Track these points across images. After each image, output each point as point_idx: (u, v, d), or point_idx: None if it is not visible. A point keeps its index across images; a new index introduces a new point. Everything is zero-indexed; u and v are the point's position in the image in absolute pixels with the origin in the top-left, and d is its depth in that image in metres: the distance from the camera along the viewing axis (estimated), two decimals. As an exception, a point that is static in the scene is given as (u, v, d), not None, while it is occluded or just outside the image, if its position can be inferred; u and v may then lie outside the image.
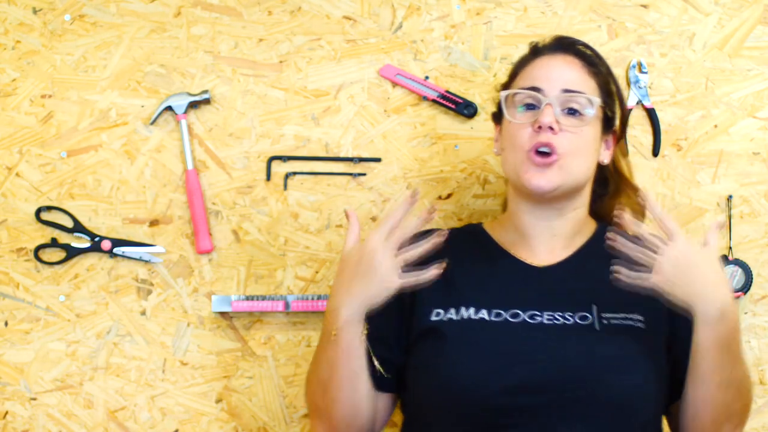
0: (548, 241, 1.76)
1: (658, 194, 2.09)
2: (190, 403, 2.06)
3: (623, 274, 1.56)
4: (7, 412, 2.05)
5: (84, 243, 2.06)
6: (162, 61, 2.10)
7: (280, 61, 2.10)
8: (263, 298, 2.03)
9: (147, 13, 2.10)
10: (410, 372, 1.70)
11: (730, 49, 2.11)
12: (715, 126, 2.10)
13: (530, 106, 1.73)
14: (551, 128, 1.69)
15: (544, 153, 1.70)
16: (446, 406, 1.62)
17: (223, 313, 2.06)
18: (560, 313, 1.66)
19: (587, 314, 1.66)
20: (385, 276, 1.60)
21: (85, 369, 2.05)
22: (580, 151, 1.72)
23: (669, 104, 2.10)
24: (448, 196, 2.09)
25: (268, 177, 2.08)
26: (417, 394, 1.69)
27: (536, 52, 1.80)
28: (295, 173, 2.08)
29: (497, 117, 1.82)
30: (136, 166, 2.09)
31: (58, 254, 2.07)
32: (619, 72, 2.06)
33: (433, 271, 1.60)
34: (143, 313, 2.07)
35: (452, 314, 1.67)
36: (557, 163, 1.70)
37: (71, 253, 2.06)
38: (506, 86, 1.81)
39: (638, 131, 2.10)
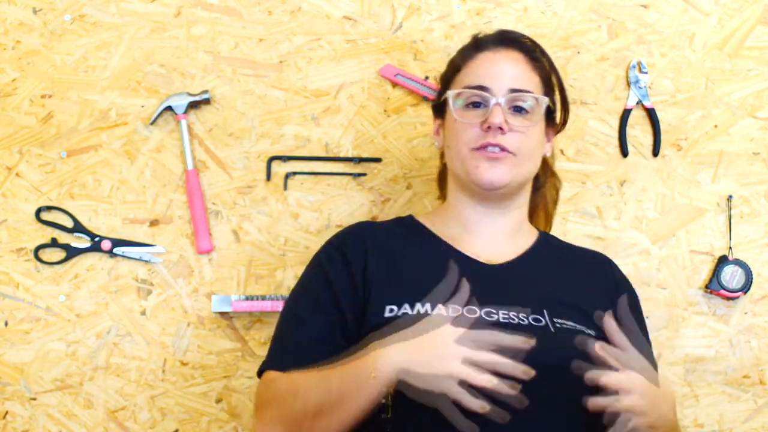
0: (492, 237, 1.76)
1: (658, 194, 2.10)
2: (190, 403, 2.06)
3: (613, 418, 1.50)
4: (7, 412, 2.05)
5: (84, 243, 2.06)
6: (162, 61, 2.10)
7: (280, 61, 2.10)
8: (263, 298, 2.03)
9: (147, 13, 2.10)
10: None
11: (730, 49, 2.12)
12: (715, 126, 2.11)
13: (477, 104, 1.72)
14: (500, 128, 1.69)
15: (494, 150, 1.70)
16: (400, 402, 1.54)
17: (223, 313, 2.06)
18: (514, 313, 1.63)
19: (540, 317, 1.64)
20: (445, 364, 1.45)
21: (85, 369, 2.05)
22: (530, 150, 1.72)
23: (669, 104, 2.11)
24: (449, 196, 2.08)
25: (268, 177, 2.08)
26: None
27: (479, 45, 1.79)
28: (295, 173, 2.08)
29: (438, 110, 1.81)
30: (136, 166, 2.08)
31: (58, 254, 2.06)
32: (619, 72, 2.12)
33: (477, 403, 1.45)
34: (143, 313, 2.06)
35: (407, 309, 1.62)
36: (508, 160, 1.70)
37: (71, 253, 2.06)
38: (448, 78, 1.79)
39: (638, 131, 2.11)
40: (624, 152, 2.10)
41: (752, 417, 2.07)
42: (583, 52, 2.11)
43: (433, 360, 1.46)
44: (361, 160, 2.09)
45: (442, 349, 1.46)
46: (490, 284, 1.68)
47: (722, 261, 2.06)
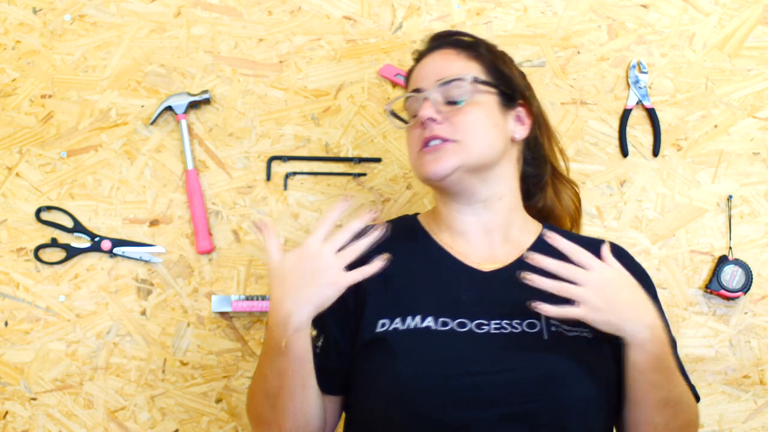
0: (484, 237, 1.73)
1: (658, 194, 2.09)
2: (190, 403, 2.06)
3: (543, 308, 1.51)
4: (7, 412, 2.05)
5: (84, 243, 2.06)
6: (162, 61, 2.10)
7: (280, 61, 2.10)
8: (263, 298, 2.03)
9: (147, 13, 2.10)
10: (356, 378, 1.66)
11: (730, 49, 2.12)
12: (715, 126, 2.11)
13: (414, 107, 1.73)
14: (433, 119, 1.67)
15: (434, 144, 1.69)
16: (391, 417, 1.57)
17: (223, 313, 2.06)
18: (507, 321, 1.61)
19: (535, 321, 1.61)
20: (331, 276, 1.55)
21: (85, 369, 2.05)
22: (473, 130, 1.68)
23: (669, 104, 2.11)
24: (448, 196, 2.08)
25: (268, 177, 2.08)
26: (362, 401, 1.65)
27: (418, 57, 1.79)
28: (295, 173, 2.08)
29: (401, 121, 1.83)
30: (136, 166, 2.08)
31: (58, 254, 2.06)
32: (619, 72, 2.11)
33: (377, 263, 1.57)
34: (143, 313, 2.06)
35: (398, 324, 1.62)
36: (450, 147, 1.67)
37: (71, 253, 2.06)
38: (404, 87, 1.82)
39: (638, 131, 2.10)
40: (624, 152, 2.10)
41: (752, 417, 2.07)
42: (583, 52, 2.11)
43: (322, 290, 1.54)
44: (361, 160, 2.08)
45: (325, 274, 1.54)
46: (484, 292, 1.66)
47: (722, 261, 2.06)
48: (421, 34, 2.09)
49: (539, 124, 1.81)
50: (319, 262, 1.55)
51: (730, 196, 2.09)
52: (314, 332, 1.63)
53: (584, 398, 1.56)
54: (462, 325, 1.61)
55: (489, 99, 1.71)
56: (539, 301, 1.51)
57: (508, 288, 1.65)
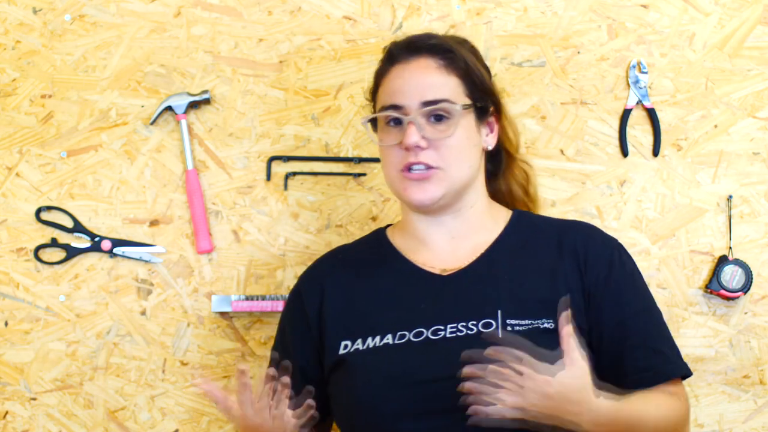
0: (448, 243, 1.73)
1: (658, 194, 2.09)
2: (190, 403, 2.06)
3: (484, 413, 1.44)
4: (7, 412, 2.05)
5: (84, 243, 2.06)
6: (162, 61, 2.09)
7: (280, 61, 2.10)
8: (263, 298, 2.03)
9: (147, 13, 2.09)
10: (331, 402, 1.70)
11: (730, 49, 2.11)
12: (715, 126, 2.10)
13: (396, 121, 1.69)
14: (419, 146, 1.66)
15: (419, 170, 1.67)
16: None
17: (223, 313, 2.06)
18: (463, 323, 1.61)
19: (491, 321, 1.61)
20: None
21: (85, 369, 2.05)
22: (456, 158, 1.68)
23: (669, 104, 2.10)
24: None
25: (268, 177, 2.08)
26: (338, 424, 1.72)
27: (392, 58, 1.75)
28: (295, 173, 2.08)
29: (373, 125, 1.78)
30: (136, 166, 2.08)
31: (58, 254, 2.06)
32: (619, 72, 2.10)
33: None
34: (143, 313, 2.06)
35: (359, 344, 1.65)
36: (434, 175, 1.67)
37: (71, 253, 2.06)
38: (373, 95, 1.77)
39: (638, 131, 2.10)
40: (624, 152, 2.09)
41: (752, 417, 2.06)
42: (583, 52, 2.10)
43: None
44: (361, 160, 2.08)
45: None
46: (442, 296, 1.66)
47: (722, 261, 2.05)
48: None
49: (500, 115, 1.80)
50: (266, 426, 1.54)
51: (730, 196, 2.08)
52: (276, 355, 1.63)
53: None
54: (419, 334, 1.62)
55: (468, 118, 1.71)
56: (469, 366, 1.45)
57: (466, 289, 1.67)
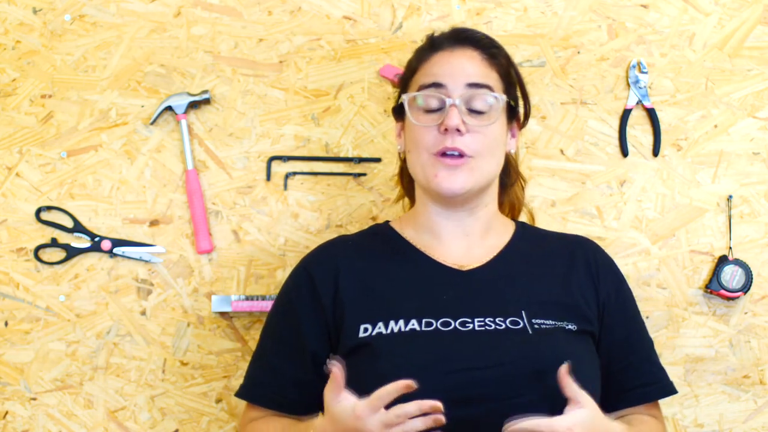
0: (461, 240, 1.73)
1: (658, 194, 2.09)
2: (190, 404, 2.06)
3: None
4: (7, 412, 2.04)
5: (84, 243, 2.06)
6: (162, 61, 2.09)
7: (280, 61, 2.09)
8: (263, 298, 2.02)
9: (147, 13, 2.09)
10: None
11: (730, 49, 2.11)
12: (715, 126, 2.10)
13: (433, 107, 1.69)
14: (458, 130, 1.66)
15: (453, 155, 1.67)
16: None
17: (223, 313, 2.05)
18: (490, 318, 1.62)
19: (517, 319, 1.62)
20: None
21: (85, 369, 2.05)
22: (490, 150, 1.69)
23: (669, 104, 2.10)
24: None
25: (268, 177, 2.07)
26: None
27: (434, 45, 1.75)
28: (295, 173, 2.08)
29: (398, 113, 1.78)
30: (136, 166, 2.08)
31: (58, 254, 2.06)
32: (619, 72, 2.10)
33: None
34: (143, 313, 2.06)
35: (381, 328, 1.62)
36: (467, 164, 1.67)
37: (71, 253, 2.05)
38: (405, 81, 1.77)
39: (638, 131, 2.10)
40: (624, 152, 2.09)
41: (752, 417, 2.06)
42: (583, 52, 2.11)
43: None
44: (361, 160, 2.08)
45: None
46: (465, 291, 1.67)
47: (722, 261, 2.06)
48: (422, 33, 2.00)
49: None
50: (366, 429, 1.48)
51: (730, 196, 2.08)
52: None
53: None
54: (446, 324, 1.61)
55: (503, 116, 1.72)
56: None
57: (488, 286, 1.68)
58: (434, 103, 1.69)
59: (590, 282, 1.72)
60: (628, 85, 2.09)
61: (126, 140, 2.08)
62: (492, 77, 1.72)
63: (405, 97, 1.72)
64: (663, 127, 2.09)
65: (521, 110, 1.80)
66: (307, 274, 1.74)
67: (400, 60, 2.08)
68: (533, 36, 2.10)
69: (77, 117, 2.08)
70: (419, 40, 2.02)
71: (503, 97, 1.70)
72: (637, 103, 2.09)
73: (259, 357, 1.75)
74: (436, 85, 1.69)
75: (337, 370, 1.48)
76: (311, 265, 1.75)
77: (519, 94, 1.80)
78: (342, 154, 2.09)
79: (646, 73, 2.09)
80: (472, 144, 1.67)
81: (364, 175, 2.09)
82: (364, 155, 2.09)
